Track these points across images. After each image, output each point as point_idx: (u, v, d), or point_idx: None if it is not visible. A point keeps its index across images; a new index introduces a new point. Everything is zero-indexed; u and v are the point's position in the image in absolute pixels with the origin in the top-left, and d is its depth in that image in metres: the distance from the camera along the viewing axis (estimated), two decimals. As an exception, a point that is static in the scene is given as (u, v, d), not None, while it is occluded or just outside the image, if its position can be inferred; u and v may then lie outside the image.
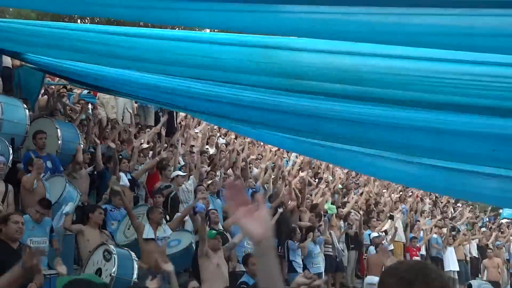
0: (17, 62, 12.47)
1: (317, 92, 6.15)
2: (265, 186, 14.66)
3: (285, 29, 5.10)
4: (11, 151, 9.67)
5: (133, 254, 8.54)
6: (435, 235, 18.33)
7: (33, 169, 9.16)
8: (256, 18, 5.00)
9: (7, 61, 12.37)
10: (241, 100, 7.36)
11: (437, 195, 26.17)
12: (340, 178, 20.27)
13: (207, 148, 16.45)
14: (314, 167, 20.49)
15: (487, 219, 27.59)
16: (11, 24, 9.23)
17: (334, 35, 4.90)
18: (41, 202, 8.46)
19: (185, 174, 12.67)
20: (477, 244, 20.01)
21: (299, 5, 4.46)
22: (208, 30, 35.46)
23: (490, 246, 19.81)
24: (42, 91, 13.33)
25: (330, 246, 13.84)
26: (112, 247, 8.27)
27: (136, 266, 8.34)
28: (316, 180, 18.57)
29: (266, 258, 2.11)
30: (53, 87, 14.40)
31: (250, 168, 15.63)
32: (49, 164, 9.84)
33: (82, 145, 11.16)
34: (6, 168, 9.24)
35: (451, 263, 17.32)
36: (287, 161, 19.31)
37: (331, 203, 16.03)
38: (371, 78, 5.27)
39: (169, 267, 7.00)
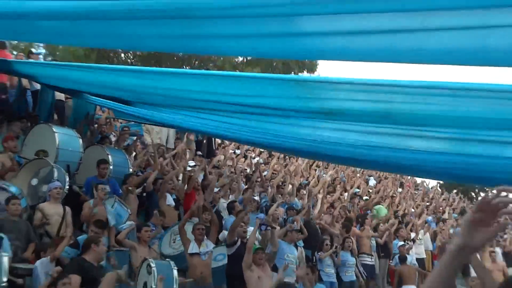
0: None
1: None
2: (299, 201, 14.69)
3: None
4: (67, 177, 9.83)
5: (172, 263, 8.41)
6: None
7: (96, 196, 9.39)
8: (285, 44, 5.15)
9: (59, 94, 12.63)
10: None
11: (460, 204, 26.01)
12: (368, 191, 20.29)
13: (245, 169, 16.54)
14: (342, 184, 20.51)
15: (512, 227, 26.91)
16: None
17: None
18: (95, 223, 8.63)
19: (218, 189, 12.84)
20: (502, 251, 19.27)
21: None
22: (240, 58, 35.99)
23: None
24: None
25: (366, 255, 13.75)
26: (151, 260, 8.31)
27: (175, 274, 8.36)
28: (346, 194, 18.65)
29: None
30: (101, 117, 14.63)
31: (284, 185, 15.74)
32: (108, 188, 9.92)
33: (131, 170, 11.29)
34: (63, 192, 9.34)
35: (478, 270, 16.85)
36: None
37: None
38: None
39: None
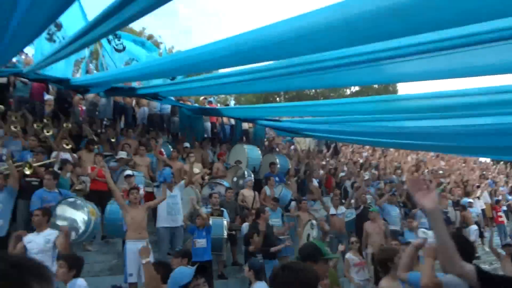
0: (250, 124, 13.20)
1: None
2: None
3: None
4: (252, 175, 10.10)
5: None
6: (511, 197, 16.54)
7: (268, 184, 9.68)
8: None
9: (244, 125, 13.14)
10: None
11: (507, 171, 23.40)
12: (441, 167, 18.95)
13: (358, 159, 16.17)
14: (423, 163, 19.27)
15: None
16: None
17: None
18: (274, 199, 8.84)
19: (344, 174, 12.60)
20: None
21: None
22: (348, 92, 35.50)
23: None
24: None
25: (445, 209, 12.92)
26: (313, 221, 8.39)
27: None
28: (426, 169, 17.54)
29: (437, 222, 2.07)
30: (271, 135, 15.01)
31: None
32: (276, 178, 10.14)
33: (290, 167, 11.43)
34: (252, 183, 9.57)
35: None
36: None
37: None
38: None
39: None
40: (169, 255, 6.60)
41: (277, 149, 13.05)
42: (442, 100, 5.58)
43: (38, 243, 5.01)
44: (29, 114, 9.15)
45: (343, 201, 10.07)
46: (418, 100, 5.95)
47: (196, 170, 9.26)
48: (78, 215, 6.03)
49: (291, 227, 8.11)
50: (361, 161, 16.08)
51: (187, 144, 10.68)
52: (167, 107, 11.63)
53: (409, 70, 4.85)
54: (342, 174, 12.60)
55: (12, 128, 8.20)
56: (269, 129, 13.52)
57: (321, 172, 12.36)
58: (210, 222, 7.07)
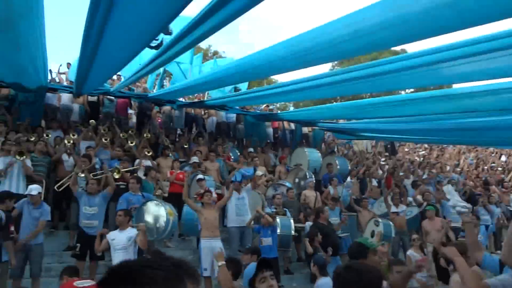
0: (310, 129, 13.01)
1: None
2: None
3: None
4: (313, 176, 9.93)
5: (379, 219, 8.23)
6: None
7: (331, 185, 9.49)
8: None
9: (304, 129, 13.00)
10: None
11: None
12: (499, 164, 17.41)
13: (416, 158, 15.35)
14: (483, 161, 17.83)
15: None
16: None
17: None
18: (332, 199, 8.66)
19: (402, 173, 11.93)
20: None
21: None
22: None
23: None
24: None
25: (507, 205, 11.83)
26: (378, 218, 8.08)
27: (392, 225, 8.01)
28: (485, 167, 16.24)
29: None
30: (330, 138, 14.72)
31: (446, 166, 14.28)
32: (335, 179, 9.92)
33: (350, 168, 11.11)
34: (313, 184, 9.42)
35: None
36: (471, 159, 17.10)
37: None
38: None
39: None
40: (240, 252, 6.69)
41: (336, 151, 12.76)
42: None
43: (121, 240, 5.27)
44: (117, 127, 9.77)
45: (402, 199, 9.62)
46: (477, 94, 5.58)
47: (260, 172, 9.31)
48: (158, 215, 6.29)
49: (346, 220, 7.92)
50: (419, 160, 15.29)
51: (251, 149, 10.79)
52: (233, 116, 11.85)
53: (467, 70, 4.55)
54: (401, 173, 12.04)
55: (103, 140, 8.78)
56: (328, 131, 13.29)
57: (380, 172, 11.90)
58: (278, 221, 7.08)
